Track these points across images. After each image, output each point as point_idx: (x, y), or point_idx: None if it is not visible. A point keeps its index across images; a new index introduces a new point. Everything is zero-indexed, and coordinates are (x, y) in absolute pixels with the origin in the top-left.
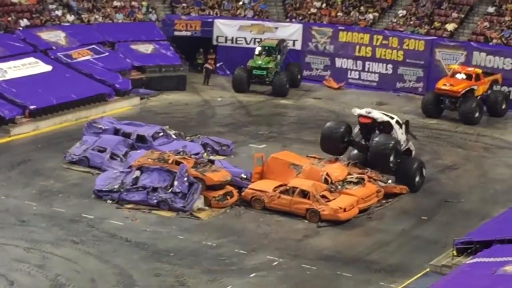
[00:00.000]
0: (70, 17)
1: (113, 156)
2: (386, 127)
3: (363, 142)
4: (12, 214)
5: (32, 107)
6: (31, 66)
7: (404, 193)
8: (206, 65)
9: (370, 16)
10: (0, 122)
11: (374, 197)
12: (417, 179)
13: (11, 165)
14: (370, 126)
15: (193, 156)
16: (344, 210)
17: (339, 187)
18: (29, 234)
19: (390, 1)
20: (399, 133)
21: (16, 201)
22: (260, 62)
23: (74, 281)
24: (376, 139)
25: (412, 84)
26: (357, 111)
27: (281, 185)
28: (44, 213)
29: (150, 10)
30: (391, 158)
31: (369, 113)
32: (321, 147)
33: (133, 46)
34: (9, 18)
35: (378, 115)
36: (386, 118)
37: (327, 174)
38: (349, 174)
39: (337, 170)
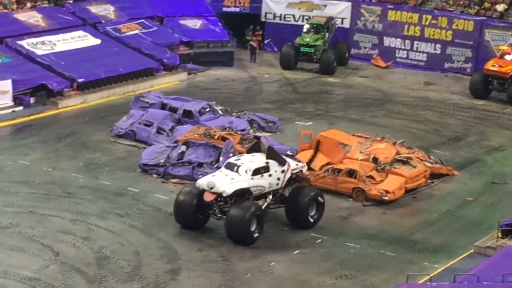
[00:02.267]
0: None
1: (159, 131)
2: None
3: (218, 215)
4: (59, 186)
5: (80, 80)
6: (80, 40)
7: (451, 174)
8: (251, 42)
9: None
10: (48, 94)
11: (421, 178)
12: (312, 213)
13: (59, 137)
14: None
15: (239, 132)
16: (393, 193)
17: (387, 167)
18: (75, 206)
19: None
20: (271, 179)
21: (62, 173)
22: (308, 39)
23: (119, 253)
24: (230, 212)
25: (460, 65)
26: (199, 182)
27: (327, 164)
28: (90, 185)
29: None
30: (252, 228)
31: (211, 188)
32: (176, 219)
33: (182, 21)
34: None
35: (225, 186)
36: (236, 187)
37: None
38: (397, 153)
39: (385, 149)
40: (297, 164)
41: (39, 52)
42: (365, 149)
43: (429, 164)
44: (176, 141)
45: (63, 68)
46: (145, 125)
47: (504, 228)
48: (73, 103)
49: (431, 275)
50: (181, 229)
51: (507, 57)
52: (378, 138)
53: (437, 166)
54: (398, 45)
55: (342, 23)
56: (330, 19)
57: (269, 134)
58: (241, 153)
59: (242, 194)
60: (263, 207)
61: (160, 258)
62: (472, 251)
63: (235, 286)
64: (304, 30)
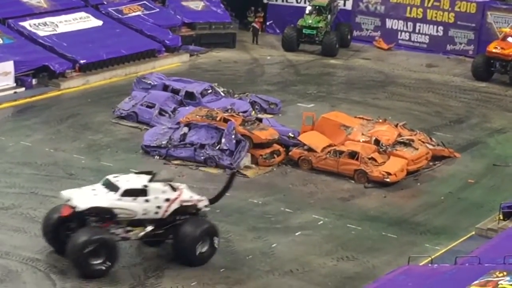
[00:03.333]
0: None
1: (161, 112)
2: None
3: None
4: (61, 167)
5: (82, 61)
6: (82, 21)
7: (452, 156)
8: (253, 23)
9: None
10: (50, 75)
11: (423, 160)
12: (201, 249)
13: (61, 118)
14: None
15: (241, 114)
16: (395, 175)
17: (389, 148)
18: (76, 187)
19: None
20: (148, 206)
21: (64, 154)
22: (310, 21)
23: None
24: (73, 237)
25: (462, 47)
26: (62, 193)
27: (329, 146)
28: (92, 167)
29: None
30: (93, 260)
31: (67, 201)
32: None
33: (184, 3)
34: None
35: (81, 201)
36: (92, 203)
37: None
38: (399, 135)
39: (387, 131)
40: (191, 197)
41: (41, 33)
42: (367, 131)
43: (431, 146)
44: (178, 123)
45: (65, 50)
46: (147, 106)
47: (505, 210)
48: (75, 84)
49: (433, 257)
50: None
51: (510, 39)
52: (380, 120)
53: (439, 148)
54: (400, 27)
55: (344, 5)
56: (333, 1)
57: (271, 116)
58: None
59: (102, 214)
60: (122, 236)
61: None
62: (473, 233)
63: (237, 267)
64: (306, 12)
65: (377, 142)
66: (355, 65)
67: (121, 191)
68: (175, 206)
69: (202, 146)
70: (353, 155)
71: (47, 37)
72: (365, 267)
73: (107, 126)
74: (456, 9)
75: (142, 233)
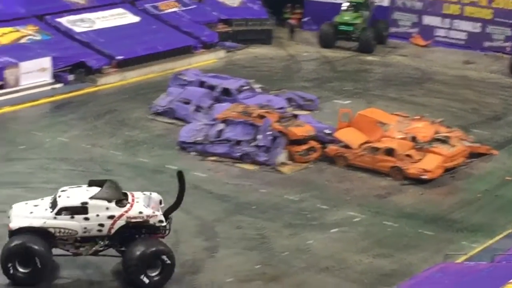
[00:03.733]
0: None
1: (198, 108)
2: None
3: None
4: (97, 163)
5: (119, 57)
6: (119, 17)
7: (490, 153)
8: (290, 20)
9: None
10: (87, 72)
11: (460, 157)
12: (151, 273)
13: (97, 114)
14: None
15: (277, 110)
16: (431, 172)
17: (426, 145)
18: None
19: None
20: (88, 223)
21: (101, 150)
22: (347, 17)
23: None
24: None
25: (500, 43)
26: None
27: (366, 142)
28: (129, 163)
29: None
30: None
31: (9, 217)
32: None
33: None
34: None
35: (15, 219)
36: (23, 223)
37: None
38: (436, 132)
39: (424, 128)
40: (141, 212)
41: (78, 29)
42: (403, 128)
43: (468, 143)
44: (214, 119)
45: (102, 46)
46: (184, 103)
47: None
48: (111, 80)
49: (469, 254)
50: (219, 207)
51: None
52: (417, 117)
53: (476, 145)
54: (437, 23)
55: (381, 1)
56: None
57: (307, 112)
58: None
59: (40, 233)
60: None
61: (198, 236)
62: (510, 230)
63: (272, 264)
64: (343, 8)
65: (413, 139)
66: (392, 62)
67: (56, 209)
68: (121, 223)
69: (238, 143)
70: (389, 151)
71: (83, 33)
72: (401, 264)
73: (144, 122)
74: (494, 5)
75: (93, 249)
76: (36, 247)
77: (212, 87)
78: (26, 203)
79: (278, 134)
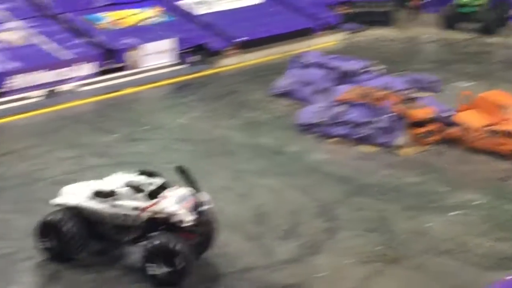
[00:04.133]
0: None
1: (317, 90)
2: None
3: None
4: (218, 144)
5: (239, 39)
6: None
7: None
8: (411, 1)
9: None
10: (208, 53)
11: None
12: (155, 272)
13: (218, 96)
14: None
15: (398, 92)
16: None
17: None
18: (234, 164)
19: None
20: (116, 211)
21: (222, 131)
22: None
23: (277, 211)
24: None
25: None
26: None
27: (487, 125)
28: (249, 144)
29: None
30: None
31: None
32: None
33: None
34: None
35: (61, 194)
36: (64, 200)
37: None
38: None
39: None
40: (164, 209)
41: (198, 11)
42: None
43: None
44: (334, 101)
45: (222, 28)
46: (304, 84)
47: None
48: (232, 62)
49: None
50: (339, 189)
51: None
52: None
53: None
54: None
55: None
56: None
57: (428, 94)
58: (399, 113)
59: (75, 213)
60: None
61: (318, 217)
62: None
63: (392, 246)
64: None
65: None
66: None
67: (92, 191)
68: (145, 215)
69: (358, 125)
70: (510, 134)
71: (204, 15)
72: None
73: (264, 103)
74: None
75: (128, 238)
76: (60, 222)
77: (332, 69)
78: (84, 183)
79: (398, 116)
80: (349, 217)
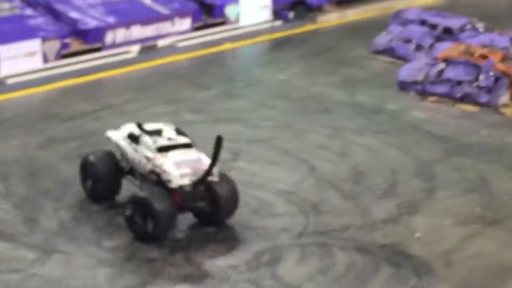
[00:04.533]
0: None
1: (418, 48)
2: None
3: None
4: (316, 101)
5: None
6: None
7: None
8: None
9: None
10: (307, 9)
11: None
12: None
13: (317, 52)
14: None
15: (501, 50)
16: None
17: None
18: (331, 121)
19: None
20: (135, 156)
21: (320, 89)
22: None
23: (374, 170)
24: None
25: None
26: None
27: None
28: (347, 101)
29: None
30: None
31: None
32: None
33: None
34: None
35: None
36: (113, 135)
37: None
38: None
39: None
40: (161, 165)
41: None
42: None
43: None
44: (435, 58)
45: None
46: (404, 41)
47: None
48: (331, 18)
49: None
50: (438, 148)
51: None
52: None
53: None
54: None
55: None
56: None
57: None
58: (502, 72)
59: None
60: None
61: (417, 176)
62: None
63: (492, 207)
64: None
65: None
66: None
67: (127, 132)
68: (149, 167)
69: (459, 83)
70: None
71: None
72: None
73: (363, 61)
74: None
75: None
76: (93, 160)
77: (433, 26)
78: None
79: (501, 74)
80: (448, 177)
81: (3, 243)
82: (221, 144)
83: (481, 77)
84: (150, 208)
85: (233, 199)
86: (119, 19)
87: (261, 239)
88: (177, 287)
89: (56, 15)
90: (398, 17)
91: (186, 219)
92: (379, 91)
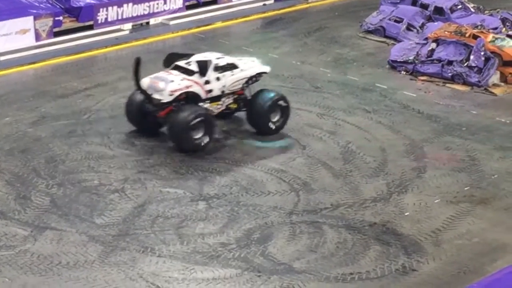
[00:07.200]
0: None
1: (409, 27)
2: None
3: None
4: (307, 80)
5: None
6: None
7: None
8: None
9: None
10: None
11: None
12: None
13: (308, 31)
14: None
15: (491, 30)
16: None
17: None
18: (322, 100)
19: None
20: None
21: (311, 67)
22: None
23: (364, 149)
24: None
25: None
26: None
27: None
28: (338, 80)
29: None
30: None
31: None
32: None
33: None
34: None
35: None
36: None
37: None
38: None
39: None
40: (170, 90)
41: None
42: None
43: None
44: (426, 38)
45: None
46: (395, 21)
47: None
48: None
49: None
50: (428, 127)
51: None
52: None
53: None
54: None
55: None
56: None
57: None
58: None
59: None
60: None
61: (406, 155)
62: None
63: (482, 186)
64: None
65: None
66: None
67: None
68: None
69: (450, 63)
70: None
71: None
72: None
73: (354, 40)
74: None
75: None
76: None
77: (424, 6)
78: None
79: (491, 55)
80: (437, 156)
81: None
82: (139, 64)
83: (472, 57)
84: None
85: None
86: None
87: (251, 217)
88: (168, 264)
89: None
90: None
91: (175, 198)
92: (370, 70)
